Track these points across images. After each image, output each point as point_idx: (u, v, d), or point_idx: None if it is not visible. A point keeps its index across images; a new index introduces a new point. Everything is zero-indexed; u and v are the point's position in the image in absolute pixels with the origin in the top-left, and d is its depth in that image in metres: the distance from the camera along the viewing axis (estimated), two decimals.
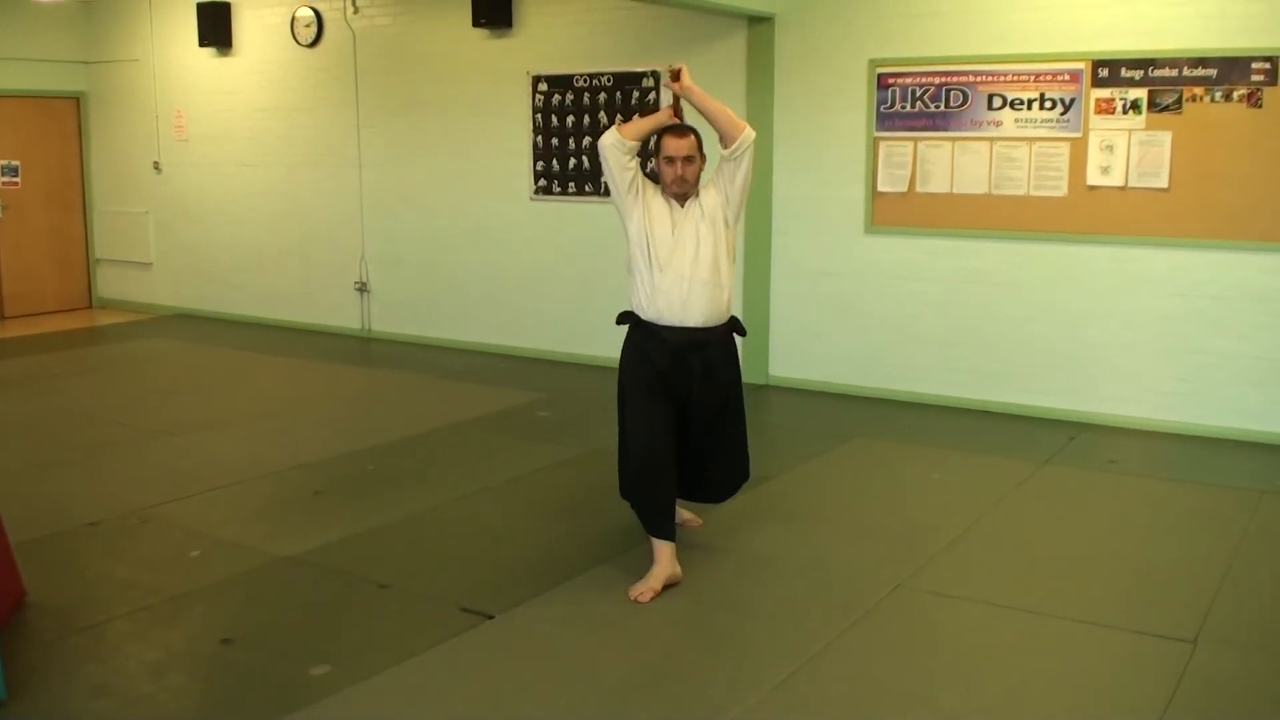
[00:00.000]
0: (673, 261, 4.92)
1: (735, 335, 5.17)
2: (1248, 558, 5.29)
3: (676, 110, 5.02)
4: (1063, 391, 7.77)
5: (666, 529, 4.89)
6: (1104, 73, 7.35)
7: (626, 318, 5.11)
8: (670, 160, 4.92)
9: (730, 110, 4.98)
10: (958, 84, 7.82)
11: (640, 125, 5.02)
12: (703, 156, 5.00)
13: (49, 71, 12.45)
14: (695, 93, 4.91)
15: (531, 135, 9.76)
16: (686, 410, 5.05)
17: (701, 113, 4.95)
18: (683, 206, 4.99)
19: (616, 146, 4.92)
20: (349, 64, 10.74)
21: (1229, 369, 7.27)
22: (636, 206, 4.96)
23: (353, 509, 5.98)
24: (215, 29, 11.40)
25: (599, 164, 9.20)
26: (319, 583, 5.02)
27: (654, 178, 5.07)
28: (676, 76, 4.94)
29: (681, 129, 4.99)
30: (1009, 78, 7.65)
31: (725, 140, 4.95)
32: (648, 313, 4.98)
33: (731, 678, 4.14)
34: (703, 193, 5.02)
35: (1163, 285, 7.38)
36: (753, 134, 4.98)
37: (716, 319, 4.99)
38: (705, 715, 3.88)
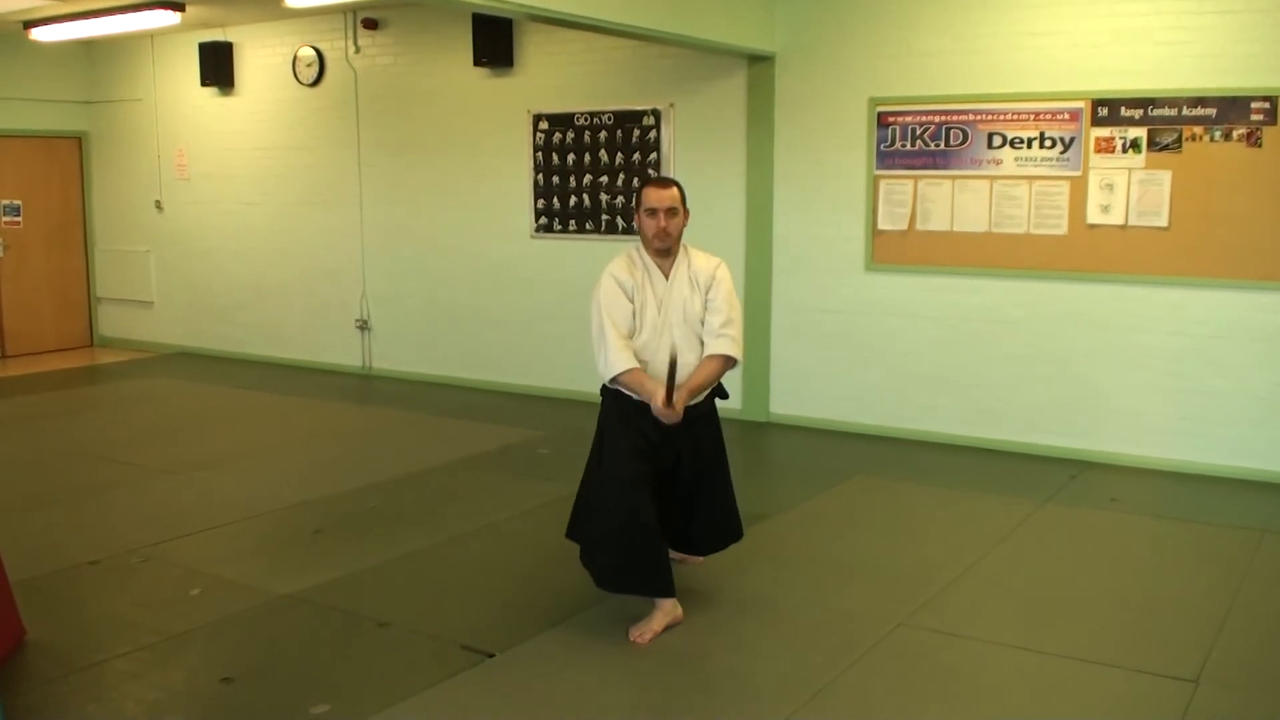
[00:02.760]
0: (661, 347, 4.82)
1: (718, 398, 5.12)
2: (1249, 597, 5.27)
3: (668, 396, 4.75)
4: (1063, 430, 7.77)
5: (668, 586, 4.82)
6: (1104, 112, 7.39)
7: (610, 387, 4.93)
8: (652, 212, 4.83)
9: (714, 374, 4.88)
10: (958, 123, 7.86)
11: (635, 386, 4.78)
12: (686, 211, 4.93)
13: (51, 111, 12.51)
14: (689, 393, 4.78)
15: (532, 173, 9.80)
16: (672, 475, 4.99)
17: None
18: (667, 277, 4.89)
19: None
20: (350, 103, 10.80)
21: (1230, 408, 7.27)
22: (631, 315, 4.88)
23: (353, 547, 5.97)
24: (217, 69, 11.48)
25: (599, 202, 9.33)
26: (319, 621, 5.00)
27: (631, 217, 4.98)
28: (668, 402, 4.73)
29: (664, 181, 4.95)
30: (1009, 116, 7.69)
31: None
32: (638, 393, 4.83)
33: (732, 718, 4.12)
34: (697, 258, 4.94)
35: (1163, 324, 7.40)
36: (737, 356, 4.92)
37: (703, 393, 4.95)
38: None
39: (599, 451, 5.01)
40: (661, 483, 4.95)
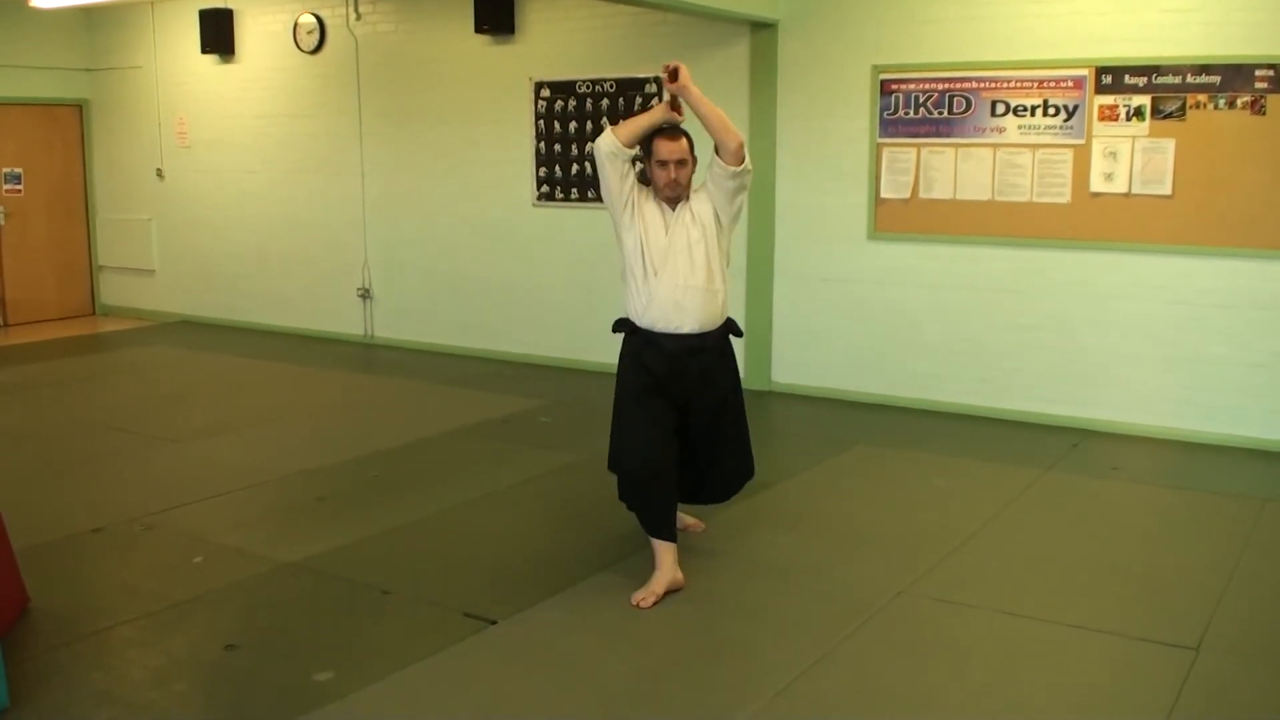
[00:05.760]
0: (667, 269, 4.90)
1: (732, 336, 5.16)
2: (1250, 566, 5.28)
3: (674, 107, 4.95)
4: (1065, 398, 7.77)
5: (667, 530, 4.88)
6: (1107, 79, 7.35)
7: (622, 325, 5.10)
8: (663, 164, 4.89)
9: (726, 118, 4.90)
10: (961, 90, 7.82)
11: (636, 125, 4.92)
12: (694, 159, 4.98)
13: (52, 79, 12.46)
14: (693, 93, 4.83)
15: (534, 141, 9.77)
16: (686, 415, 5.05)
17: (697, 115, 4.87)
18: (674, 210, 4.97)
19: (615, 154, 4.88)
20: (351, 70, 10.76)
21: (1232, 377, 7.26)
22: (632, 216, 4.94)
23: (355, 515, 5.98)
24: (218, 36, 11.42)
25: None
26: (322, 589, 5.02)
27: (644, 178, 5.04)
28: (674, 75, 4.86)
29: (674, 131, 4.97)
30: (1012, 84, 7.65)
31: (721, 150, 4.88)
32: (643, 320, 4.96)
33: (734, 684, 4.14)
34: (694, 197, 5.00)
35: (1166, 292, 7.38)
36: (749, 162, 4.94)
37: (712, 324, 4.99)
38: None
39: (617, 391, 5.13)
40: (679, 424, 5.03)
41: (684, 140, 4.94)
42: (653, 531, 4.91)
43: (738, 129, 4.94)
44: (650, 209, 4.96)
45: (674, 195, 4.94)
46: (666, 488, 4.93)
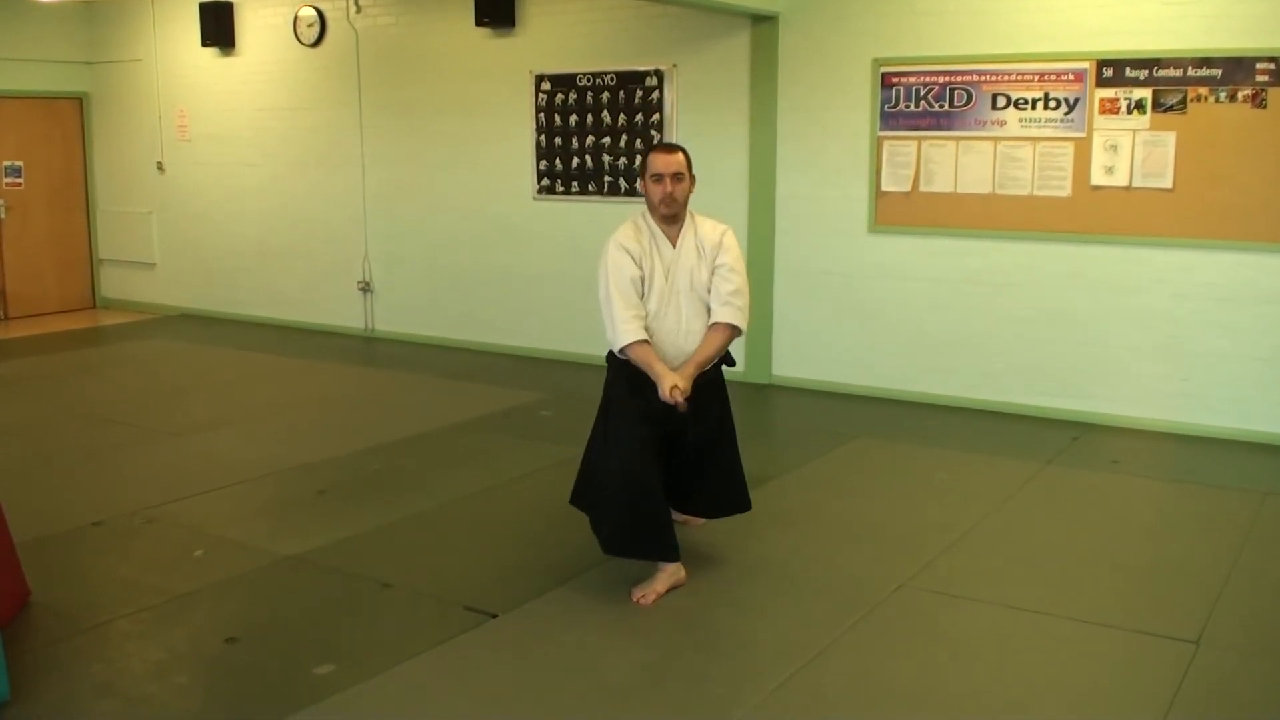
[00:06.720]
0: (668, 315, 4.82)
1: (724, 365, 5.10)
2: (1251, 559, 5.28)
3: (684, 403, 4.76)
4: (1066, 392, 7.77)
5: (671, 553, 4.82)
6: (1108, 72, 7.34)
7: (616, 356, 4.93)
8: (658, 178, 4.79)
9: (720, 344, 4.87)
10: (962, 83, 7.81)
11: (642, 362, 4.75)
12: (692, 177, 4.89)
13: (52, 72, 12.46)
14: (694, 365, 4.77)
15: (534, 135, 9.76)
16: (678, 441, 4.96)
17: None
18: (674, 244, 4.86)
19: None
20: (352, 63, 10.75)
21: (1233, 370, 7.26)
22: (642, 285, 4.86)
23: (356, 508, 5.98)
24: (218, 29, 11.41)
25: (601, 163, 9.29)
26: (323, 582, 5.02)
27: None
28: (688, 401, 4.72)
29: (670, 146, 4.91)
30: (1013, 77, 7.64)
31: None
32: (644, 370, 4.81)
33: (734, 677, 4.14)
34: (701, 223, 4.91)
35: (1166, 286, 7.38)
36: (747, 316, 4.93)
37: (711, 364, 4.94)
38: (708, 715, 3.88)
39: (604, 417, 5.00)
40: (667, 446, 4.94)
41: (680, 154, 4.85)
42: (660, 557, 4.81)
43: (735, 316, 4.86)
44: (649, 255, 4.83)
45: (670, 212, 4.82)
46: (664, 512, 4.80)
